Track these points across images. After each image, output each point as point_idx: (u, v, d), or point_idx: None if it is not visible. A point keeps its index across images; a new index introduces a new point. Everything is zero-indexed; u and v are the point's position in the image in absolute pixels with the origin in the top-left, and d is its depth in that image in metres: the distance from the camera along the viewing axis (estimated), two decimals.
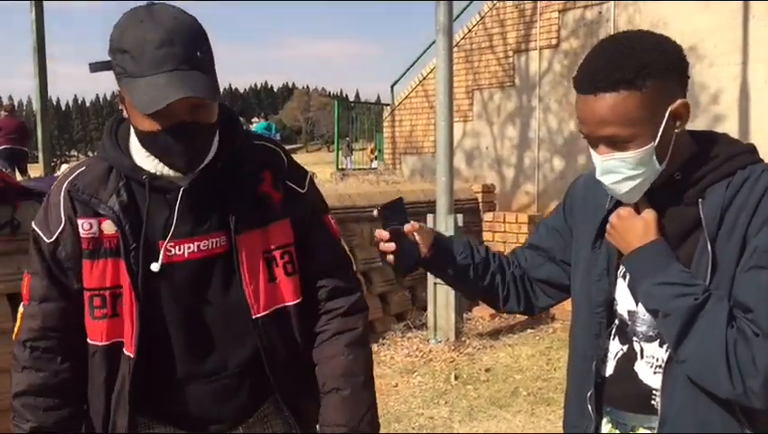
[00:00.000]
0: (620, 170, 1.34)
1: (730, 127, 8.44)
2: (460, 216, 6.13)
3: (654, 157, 1.33)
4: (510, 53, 10.80)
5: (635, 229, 1.37)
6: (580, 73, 1.36)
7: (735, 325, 1.26)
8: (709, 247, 1.31)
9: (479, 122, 11.24)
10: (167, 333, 1.54)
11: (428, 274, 6.23)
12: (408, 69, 12.39)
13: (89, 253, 1.50)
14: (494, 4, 10.91)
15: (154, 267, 1.50)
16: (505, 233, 7.54)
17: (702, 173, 1.36)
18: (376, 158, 16.10)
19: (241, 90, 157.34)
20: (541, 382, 5.23)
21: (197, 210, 1.53)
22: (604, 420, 1.50)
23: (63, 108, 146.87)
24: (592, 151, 1.38)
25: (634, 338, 1.44)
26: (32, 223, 1.56)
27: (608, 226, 1.43)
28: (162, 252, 1.50)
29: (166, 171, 1.50)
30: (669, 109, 1.31)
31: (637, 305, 1.42)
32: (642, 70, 1.29)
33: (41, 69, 9.01)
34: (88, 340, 1.54)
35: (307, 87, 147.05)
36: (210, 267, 1.54)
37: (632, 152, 1.32)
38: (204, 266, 1.54)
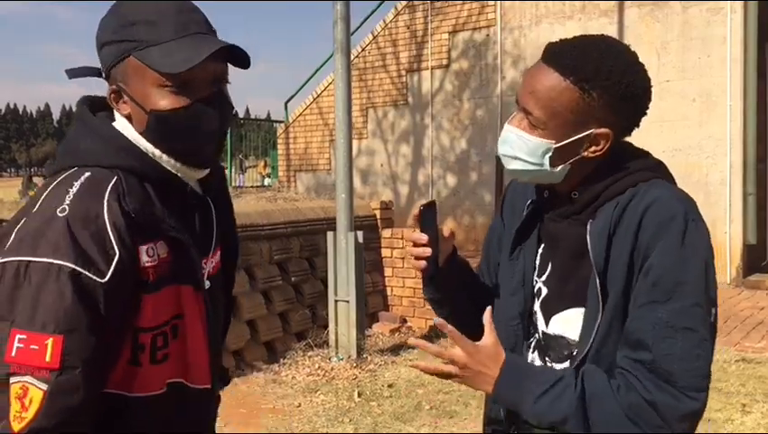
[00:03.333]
0: (513, 145, 1.32)
1: None
2: (360, 233, 6.16)
3: (547, 157, 1.29)
4: (403, 72, 11.02)
5: (483, 364, 1.28)
6: (554, 43, 1.31)
7: (617, 384, 1.21)
8: (597, 278, 1.27)
9: (373, 140, 11.38)
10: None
11: (328, 291, 6.22)
12: (303, 86, 12.39)
13: (153, 285, 1.20)
14: (387, 25, 11.11)
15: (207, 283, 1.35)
16: (403, 249, 7.64)
17: (596, 192, 1.31)
18: (269, 175, 15.91)
19: None
20: (443, 395, 5.31)
21: (210, 223, 1.39)
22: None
23: None
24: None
25: (546, 359, 1.39)
26: (45, 257, 1.10)
27: (457, 371, 1.29)
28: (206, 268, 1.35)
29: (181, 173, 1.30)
30: (592, 130, 1.27)
31: (547, 326, 1.39)
32: (601, 80, 1.24)
33: None
34: (136, 394, 1.22)
35: None
36: (212, 288, 1.37)
37: (529, 135, 1.29)
38: (212, 285, 1.36)
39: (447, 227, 1.47)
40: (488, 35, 10.17)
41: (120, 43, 1.22)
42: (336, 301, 6.16)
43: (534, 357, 1.42)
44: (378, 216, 7.86)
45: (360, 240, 6.13)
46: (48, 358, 1.08)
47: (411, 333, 7.18)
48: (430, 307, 1.64)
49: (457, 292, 1.51)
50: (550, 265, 1.39)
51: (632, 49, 1.32)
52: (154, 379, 1.23)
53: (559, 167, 1.30)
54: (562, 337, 1.36)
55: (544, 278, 1.40)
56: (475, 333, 1.46)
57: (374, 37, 11.31)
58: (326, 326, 6.43)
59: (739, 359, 5.63)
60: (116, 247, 1.14)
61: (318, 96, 11.98)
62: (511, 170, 1.35)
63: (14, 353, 1.08)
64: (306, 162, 12.30)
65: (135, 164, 1.23)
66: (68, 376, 1.10)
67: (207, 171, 1.34)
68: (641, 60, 1.31)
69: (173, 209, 1.26)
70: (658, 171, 1.34)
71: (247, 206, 7.28)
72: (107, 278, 1.13)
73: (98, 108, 1.32)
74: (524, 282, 1.42)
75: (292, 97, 12.59)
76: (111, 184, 1.19)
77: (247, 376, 5.93)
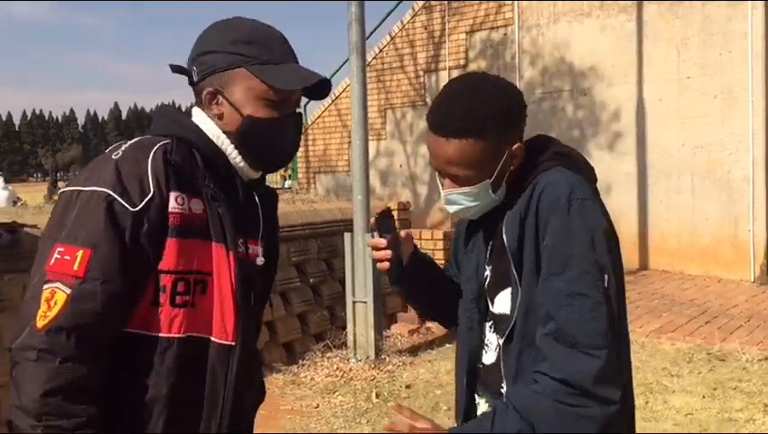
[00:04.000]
0: (460, 202, 1.52)
1: (629, 143, 8.90)
2: (376, 234, 6.15)
3: (489, 190, 1.50)
4: (421, 73, 11.02)
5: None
6: (433, 114, 1.49)
7: (535, 384, 1.35)
8: (511, 260, 1.45)
9: (392, 141, 11.39)
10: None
11: (346, 292, 6.24)
12: None
13: (179, 231, 1.35)
14: (404, 25, 11.11)
15: (260, 260, 1.51)
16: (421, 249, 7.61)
17: (515, 186, 1.51)
18: (289, 177, 15.98)
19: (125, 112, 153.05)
20: None
21: (255, 213, 1.55)
22: (482, 401, 1.60)
23: None
24: (438, 181, 1.55)
25: (497, 335, 1.55)
26: (92, 186, 1.32)
27: None
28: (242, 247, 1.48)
29: (240, 166, 1.50)
30: (507, 152, 1.48)
31: (493, 306, 1.56)
32: (488, 121, 1.43)
33: None
34: (154, 333, 1.35)
35: None
36: (252, 274, 1.50)
37: (469, 188, 1.49)
38: (250, 271, 1.49)
39: (404, 231, 1.71)
40: (505, 34, 10.13)
41: (232, 55, 1.42)
42: (354, 302, 6.17)
43: (494, 336, 1.57)
44: (395, 217, 7.85)
45: None
46: (76, 266, 1.28)
47: (429, 333, 7.16)
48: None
49: (424, 286, 1.75)
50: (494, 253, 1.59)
51: (494, 74, 1.53)
52: (173, 322, 1.36)
53: (499, 190, 1.52)
54: (505, 315, 1.52)
55: (492, 265, 1.58)
56: (447, 320, 1.76)
57: (391, 38, 11.32)
58: (345, 327, 6.45)
59: (762, 358, 5.54)
60: (152, 187, 1.33)
61: (336, 98, 12.02)
62: (469, 216, 1.58)
63: (51, 263, 1.29)
64: (326, 163, 12.34)
65: (192, 137, 1.43)
66: (90, 286, 1.28)
67: (260, 173, 1.55)
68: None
69: (218, 181, 1.43)
70: (559, 159, 1.52)
71: None
72: (137, 209, 1.31)
73: None
74: (477, 270, 1.61)
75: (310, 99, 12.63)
76: (162, 142, 1.40)
77: (265, 377, 5.95)
